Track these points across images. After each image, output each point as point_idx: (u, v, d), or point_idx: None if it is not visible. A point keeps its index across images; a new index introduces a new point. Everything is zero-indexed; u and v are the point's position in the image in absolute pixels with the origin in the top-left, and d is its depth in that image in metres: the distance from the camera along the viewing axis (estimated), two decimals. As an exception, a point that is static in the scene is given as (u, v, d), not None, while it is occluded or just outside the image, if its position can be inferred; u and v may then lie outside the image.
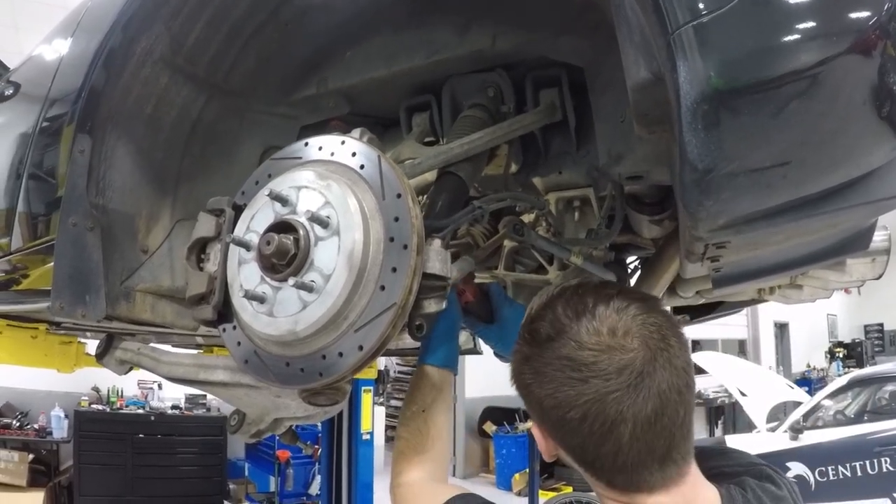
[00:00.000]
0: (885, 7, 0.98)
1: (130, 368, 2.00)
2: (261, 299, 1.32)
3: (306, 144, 1.44)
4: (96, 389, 8.34)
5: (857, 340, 20.78)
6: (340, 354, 1.27)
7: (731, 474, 1.14)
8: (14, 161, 2.32)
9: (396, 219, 1.27)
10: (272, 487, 8.25)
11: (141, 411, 8.21)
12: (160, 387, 8.58)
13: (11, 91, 2.76)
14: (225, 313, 1.46)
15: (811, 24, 0.98)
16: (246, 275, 1.37)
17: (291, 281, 1.26)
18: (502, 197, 1.67)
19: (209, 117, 1.91)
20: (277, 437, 7.40)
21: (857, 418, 8.15)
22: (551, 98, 1.75)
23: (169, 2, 1.69)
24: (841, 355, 19.48)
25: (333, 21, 1.81)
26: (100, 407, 8.14)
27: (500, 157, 1.84)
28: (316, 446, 6.74)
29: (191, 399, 8.56)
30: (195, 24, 1.74)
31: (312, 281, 1.26)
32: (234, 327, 1.43)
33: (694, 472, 1.05)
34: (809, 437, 7.80)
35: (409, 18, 1.77)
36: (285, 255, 1.29)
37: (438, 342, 1.50)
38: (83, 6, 2.27)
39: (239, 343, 1.42)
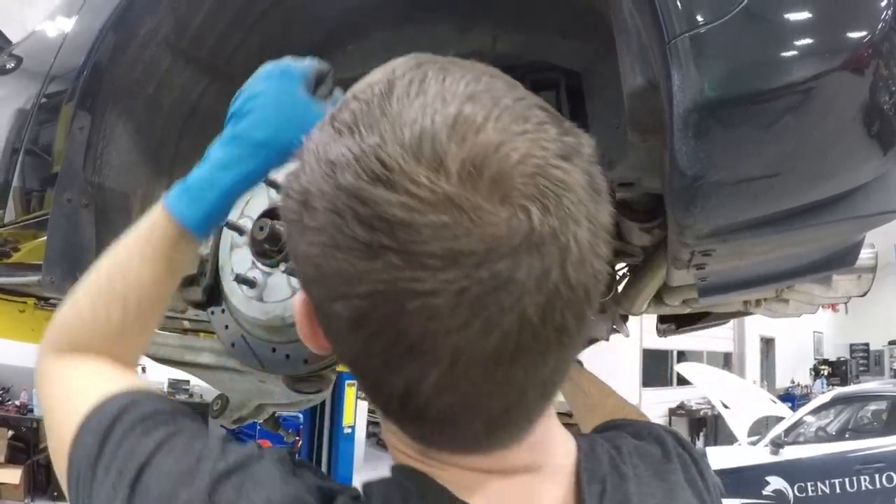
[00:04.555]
0: (879, 27, 1.00)
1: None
2: (251, 284, 1.33)
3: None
4: (81, 369, 8.31)
5: (842, 359, 20.88)
6: (327, 342, 1.28)
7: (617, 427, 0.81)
8: (11, 135, 2.32)
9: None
10: (252, 476, 8.23)
11: (124, 393, 8.18)
12: (143, 370, 8.55)
13: (13, 65, 2.77)
14: (214, 296, 1.47)
15: (805, 39, 1.00)
16: (238, 259, 1.39)
17: (282, 267, 1.28)
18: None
19: (209, 101, 1.92)
20: (259, 426, 7.41)
21: (839, 436, 8.21)
22: (548, 101, 1.76)
23: (174, -15, 1.70)
24: (826, 373, 19.56)
25: (337, 11, 1.82)
26: (83, 387, 8.11)
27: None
28: (297, 438, 6.73)
29: (174, 384, 8.55)
30: (200, 8, 1.75)
31: None
32: (223, 310, 1.45)
33: (543, 425, 0.64)
34: (790, 453, 7.85)
35: (411, 14, 1.79)
36: (278, 241, 1.31)
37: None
38: (90, -17, 2.28)
39: (226, 326, 1.43)
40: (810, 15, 1.01)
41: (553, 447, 0.67)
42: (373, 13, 1.81)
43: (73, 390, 0.74)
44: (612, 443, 0.71)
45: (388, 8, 1.80)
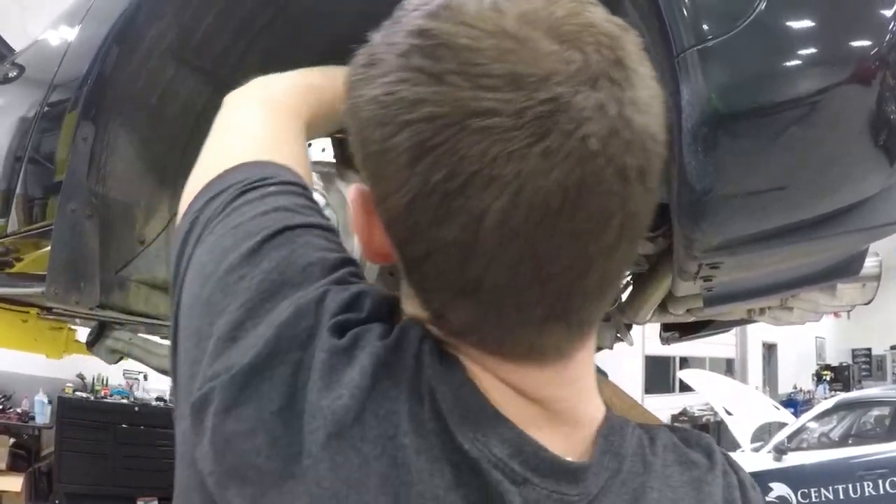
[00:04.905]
0: (886, 38, 1.00)
1: (120, 358, 2.01)
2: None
3: (309, 145, 1.45)
4: (81, 377, 8.30)
5: (844, 364, 20.85)
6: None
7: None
8: (14, 143, 2.32)
9: (396, 223, 1.28)
10: (253, 483, 8.22)
11: (125, 401, 8.18)
12: (146, 378, 8.55)
13: (16, 73, 2.77)
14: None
15: (813, 52, 1.00)
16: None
17: None
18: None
19: (213, 111, 1.91)
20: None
21: (842, 441, 8.19)
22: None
23: (178, -7, 1.70)
24: (828, 378, 19.53)
25: (343, 21, 1.82)
26: (84, 395, 8.11)
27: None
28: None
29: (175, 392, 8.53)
30: (205, 17, 1.75)
31: None
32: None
33: (583, 366, 0.61)
34: (793, 459, 7.82)
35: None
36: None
37: None
38: (93, -7, 2.28)
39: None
40: (818, 28, 1.01)
41: (584, 401, 0.62)
42: (379, 21, 1.81)
43: (281, 144, 0.79)
44: (648, 432, 0.65)
45: (393, 18, 1.80)
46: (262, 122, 0.82)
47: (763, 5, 0.98)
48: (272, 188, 0.67)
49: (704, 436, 0.71)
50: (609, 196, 0.50)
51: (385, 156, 0.53)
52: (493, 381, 0.58)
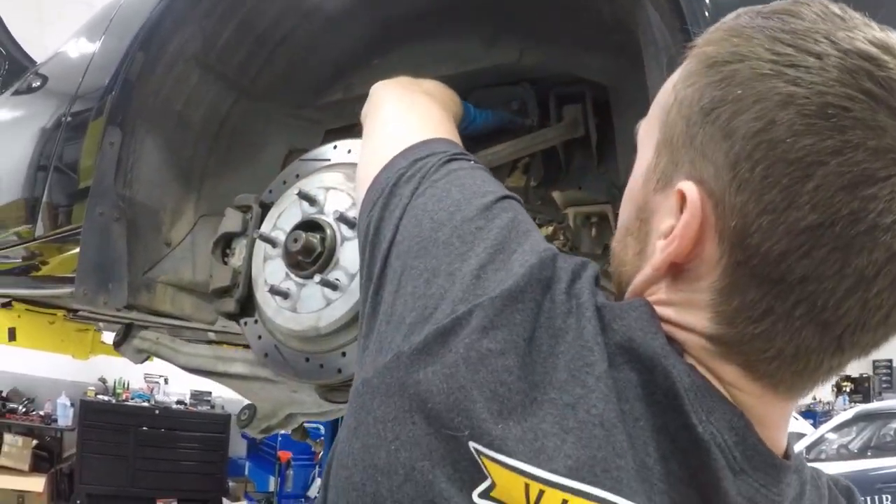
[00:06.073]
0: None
1: (147, 357, 2.04)
2: (285, 295, 1.35)
3: (335, 147, 1.48)
4: (103, 380, 8.38)
5: (864, 375, 20.61)
6: (360, 352, 1.30)
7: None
8: (40, 151, 2.36)
9: (421, 222, 1.29)
10: (271, 487, 8.25)
11: (146, 404, 8.25)
12: (166, 381, 8.62)
13: (38, 83, 2.81)
14: (247, 307, 1.50)
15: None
16: (271, 270, 1.41)
17: (317, 278, 1.30)
18: (521, 209, 1.69)
19: (236, 117, 1.95)
20: (279, 437, 7.44)
21: (861, 453, 8.10)
22: (574, 114, 1.77)
23: (202, 2, 1.73)
24: (848, 389, 19.32)
25: (364, 28, 1.85)
26: (105, 398, 8.18)
27: (520, 170, 1.87)
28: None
29: (196, 395, 8.59)
30: (227, 25, 1.78)
31: (337, 279, 1.30)
32: (256, 321, 1.47)
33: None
34: (811, 469, 7.74)
35: (438, 29, 1.80)
36: (311, 253, 1.33)
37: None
38: (115, 4, 2.32)
39: (260, 337, 1.45)
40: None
41: (782, 431, 0.65)
42: (400, 28, 1.84)
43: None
44: (813, 468, 0.71)
45: (416, 23, 1.82)
46: (437, 108, 0.98)
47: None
48: (473, 162, 0.79)
49: (841, 480, 0.77)
50: None
51: (806, 169, 0.52)
52: (718, 383, 0.60)
